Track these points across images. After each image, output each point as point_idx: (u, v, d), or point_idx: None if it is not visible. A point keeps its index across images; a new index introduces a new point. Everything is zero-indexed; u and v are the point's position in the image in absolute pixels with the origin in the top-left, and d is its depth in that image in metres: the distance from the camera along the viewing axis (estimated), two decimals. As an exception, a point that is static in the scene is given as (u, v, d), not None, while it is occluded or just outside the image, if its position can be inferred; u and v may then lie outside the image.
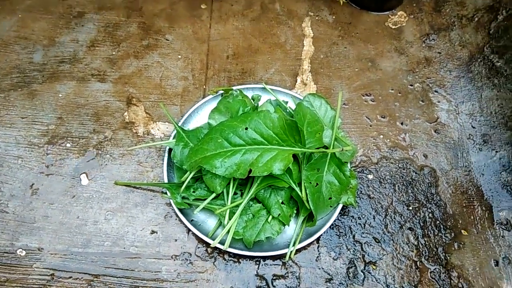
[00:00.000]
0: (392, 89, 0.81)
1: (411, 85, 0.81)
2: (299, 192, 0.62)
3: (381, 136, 0.75)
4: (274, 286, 0.62)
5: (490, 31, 0.84)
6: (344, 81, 0.81)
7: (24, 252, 0.62)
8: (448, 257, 0.65)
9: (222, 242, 0.60)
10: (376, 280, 0.63)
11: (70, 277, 0.60)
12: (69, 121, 0.73)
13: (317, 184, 0.63)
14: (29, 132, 0.72)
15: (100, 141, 0.72)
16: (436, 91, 0.80)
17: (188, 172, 0.63)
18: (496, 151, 0.73)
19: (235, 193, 0.64)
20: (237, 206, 0.62)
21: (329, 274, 0.63)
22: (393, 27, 0.89)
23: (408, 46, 0.86)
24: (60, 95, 0.75)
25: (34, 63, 0.78)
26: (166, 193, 0.65)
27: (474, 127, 0.76)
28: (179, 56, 0.82)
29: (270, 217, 0.63)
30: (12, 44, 0.80)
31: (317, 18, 0.89)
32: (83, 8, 0.86)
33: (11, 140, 0.71)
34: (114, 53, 0.81)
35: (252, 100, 0.73)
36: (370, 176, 0.71)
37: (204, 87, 0.79)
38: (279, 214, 0.62)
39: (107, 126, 0.73)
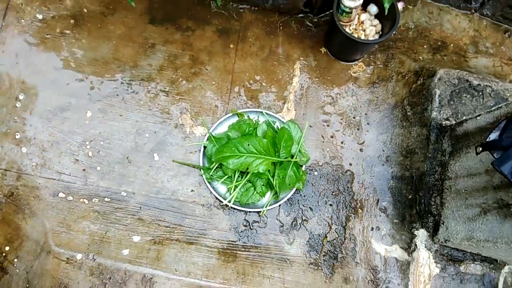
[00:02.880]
0: (342, 119, 1.19)
1: (354, 118, 1.19)
2: (272, 181, 1.05)
3: (328, 149, 1.16)
4: (252, 226, 1.08)
5: (411, 89, 1.19)
6: (313, 110, 1.19)
7: (125, 194, 1.07)
8: (347, 222, 1.10)
9: (229, 201, 1.05)
10: (306, 230, 1.09)
11: (149, 209, 1.07)
12: (147, 121, 1.13)
13: (283, 177, 1.05)
14: (122, 124, 1.13)
15: (165, 134, 1.13)
16: (368, 124, 1.19)
17: (214, 163, 1.06)
18: (391, 167, 1.15)
19: (238, 176, 1.07)
20: (238, 184, 1.06)
21: (282, 223, 1.09)
22: (353, 74, 1.23)
23: (359, 89, 1.22)
24: (141, 102, 1.15)
25: (125, 80, 1.16)
26: (201, 170, 1.08)
27: (383, 150, 1.16)
28: (213, 83, 1.19)
29: (255, 191, 1.07)
30: (110, 63, 1.17)
31: (305, 62, 1.23)
32: (154, 40, 1.20)
33: (116, 129, 1.12)
34: (174, 76, 1.18)
35: (254, 122, 1.12)
36: (316, 173, 1.14)
37: (227, 105, 1.17)
38: (260, 191, 1.06)
39: (168, 126, 1.14)
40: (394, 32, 1.27)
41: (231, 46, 1.22)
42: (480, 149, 0.76)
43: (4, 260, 1.00)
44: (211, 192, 1.09)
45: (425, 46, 1.27)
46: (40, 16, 1.18)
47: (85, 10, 1.20)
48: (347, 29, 1.14)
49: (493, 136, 0.75)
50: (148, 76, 1.17)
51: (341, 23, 1.11)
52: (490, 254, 0.92)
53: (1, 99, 1.11)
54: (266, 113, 1.13)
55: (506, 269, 1.07)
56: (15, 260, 1.00)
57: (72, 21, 1.19)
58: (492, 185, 0.83)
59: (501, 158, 0.69)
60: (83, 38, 1.18)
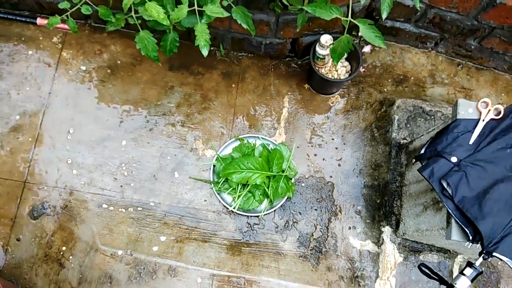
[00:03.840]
0: (323, 140, 1.49)
1: (333, 139, 1.49)
2: (268, 191, 1.34)
3: (312, 165, 1.46)
4: (253, 227, 1.37)
5: (377, 115, 1.50)
6: (300, 134, 1.49)
7: (153, 204, 1.37)
8: (329, 223, 1.38)
9: (234, 208, 1.35)
10: (296, 229, 1.37)
11: (172, 215, 1.36)
12: (168, 147, 1.45)
13: (276, 188, 1.35)
14: (149, 149, 1.44)
15: (182, 157, 1.44)
16: (344, 144, 1.49)
17: (222, 178, 1.36)
18: (363, 178, 1.43)
19: (240, 188, 1.37)
20: (241, 194, 1.35)
21: (277, 225, 1.37)
22: (331, 104, 1.54)
23: (336, 116, 1.52)
24: (164, 132, 1.47)
25: (151, 115, 1.49)
26: (211, 184, 1.39)
27: (357, 165, 1.45)
28: (220, 115, 1.50)
29: (254, 200, 1.36)
30: (138, 103, 1.50)
31: (292, 96, 1.55)
32: (173, 83, 1.53)
33: (144, 153, 1.43)
34: (188, 111, 1.50)
35: (252, 145, 1.43)
36: (303, 184, 1.43)
37: (231, 132, 1.48)
38: (258, 199, 1.35)
39: (185, 149, 1.45)
40: (363, 70, 1.59)
41: (233, 85, 1.55)
42: (414, 160, 1.05)
43: (62, 257, 1.30)
44: (219, 201, 1.38)
45: (389, 80, 1.59)
46: (84, 68, 1.53)
47: (119, 62, 1.54)
48: (322, 71, 1.46)
49: (423, 150, 1.05)
50: (169, 111, 1.49)
51: (317, 66, 1.43)
52: (433, 241, 1.19)
53: (56, 133, 1.44)
54: (261, 137, 1.44)
55: (460, 258, 1.33)
56: (70, 257, 1.30)
57: (108, 70, 1.53)
58: (430, 188, 1.11)
59: (424, 166, 0.98)
60: (117, 84, 1.51)
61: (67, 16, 1.17)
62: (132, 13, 1.13)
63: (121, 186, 1.39)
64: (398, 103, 1.43)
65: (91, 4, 1.16)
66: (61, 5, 1.16)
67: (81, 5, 1.15)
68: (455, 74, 1.64)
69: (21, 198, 1.35)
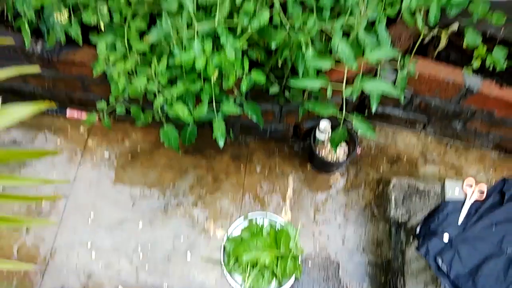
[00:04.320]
0: (326, 218, 1.60)
1: (335, 217, 1.60)
2: (276, 271, 1.42)
3: (318, 242, 1.55)
4: (263, 308, 1.41)
5: (375, 193, 1.63)
6: (304, 212, 1.61)
7: (166, 287, 1.44)
8: (337, 302, 1.43)
9: (244, 288, 1.41)
10: (305, 309, 1.41)
11: (184, 297, 1.42)
12: (182, 227, 1.56)
13: (284, 267, 1.43)
14: (164, 230, 1.55)
15: (195, 237, 1.54)
16: (346, 221, 1.59)
17: (232, 258, 1.45)
18: (367, 256, 1.51)
19: (250, 268, 1.45)
20: (251, 274, 1.43)
21: (286, 305, 1.42)
22: (332, 183, 1.69)
23: (337, 195, 1.65)
24: (178, 213, 1.59)
25: (166, 196, 1.63)
26: (222, 264, 1.47)
27: (360, 243, 1.55)
28: (229, 195, 1.64)
29: (264, 280, 1.43)
30: (155, 186, 1.65)
31: (295, 176, 1.70)
32: (187, 166, 1.70)
33: (159, 234, 1.54)
34: (201, 191, 1.64)
35: (260, 225, 1.54)
36: (310, 263, 1.51)
37: (240, 211, 1.61)
38: (267, 279, 1.42)
39: (197, 230, 1.56)
40: (359, 151, 1.76)
41: (242, 167, 1.71)
42: (411, 238, 1.16)
43: None
44: (230, 284, 1.45)
45: (384, 160, 1.75)
46: (107, 154, 1.71)
47: (139, 148, 1.73)
48: (322, 153, 1.63)
49: (418, 229, 1.16)
50: (183, 193, 1.64)
51: (318, 149, 1.61)
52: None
53: (78, 218, 1.56)
54: (269, 216, 1.56)
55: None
56: None
57: (129, 156, 1.71)
58: (428, 265, 1.20)
59: (420, 244, 1.09)
60: (137, 168, 1.68)
61: (103, 115, 1.37)
62: (159, 111, 1.34)
63: (136, 268, 1.47)
64: (394, 182, 1.57)
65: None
66: (99, 106, 1.37)
67: (116, 106, 1.36)
68: (445, 153, 1.81)
69: (41, 283, 1.43)
